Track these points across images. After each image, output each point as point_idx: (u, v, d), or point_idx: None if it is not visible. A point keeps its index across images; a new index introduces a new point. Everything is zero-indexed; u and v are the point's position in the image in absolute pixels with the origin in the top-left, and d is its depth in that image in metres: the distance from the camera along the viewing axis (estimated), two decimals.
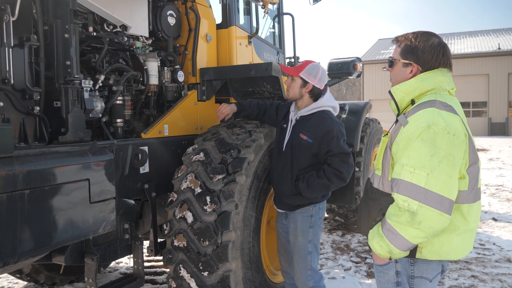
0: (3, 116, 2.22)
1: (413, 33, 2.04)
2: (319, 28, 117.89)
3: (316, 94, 2.97)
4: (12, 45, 2.22)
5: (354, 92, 48.71)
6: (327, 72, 6.34)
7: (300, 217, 2.97)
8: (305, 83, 2.93)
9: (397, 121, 2.01)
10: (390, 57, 2.08)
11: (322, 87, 2.98)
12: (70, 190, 2.09)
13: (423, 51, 1.95)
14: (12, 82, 2.23)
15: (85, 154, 2.22)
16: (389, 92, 2.06)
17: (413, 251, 1.91)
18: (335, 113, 3.03)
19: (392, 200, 1.89)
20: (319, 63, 2.98)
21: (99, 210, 2.26)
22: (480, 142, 23.18)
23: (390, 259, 1.98)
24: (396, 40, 2.07)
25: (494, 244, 5.48)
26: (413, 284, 1.99)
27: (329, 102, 2.99)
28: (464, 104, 31.14)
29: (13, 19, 2.23)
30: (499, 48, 29.97)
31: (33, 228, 1.93)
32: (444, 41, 2.01)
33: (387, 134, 2.08)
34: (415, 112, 1.89)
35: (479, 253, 5.11)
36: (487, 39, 33.28)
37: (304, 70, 2.93)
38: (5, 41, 2.20)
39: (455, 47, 32.49)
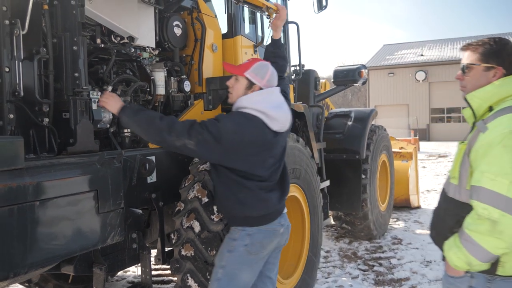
0: (12, 128, 2.26)
1: (489, 38, 1.99)
2: (323, 34, 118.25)
3: None
4: (22, 58, 2.26)
5: (360, 98, 48.65)
6: (332, 80, 6.38)
7: (225, 238, 2.58)
8: (251, 84, 2.48)
9: (472, 127, 1.96)
10: (467, 63, 2.00)
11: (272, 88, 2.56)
12: (79, 200, 2.12)
13: (509, 54, 1.92)
14: (22, 94, 2.27)
15: (93, 165, 2.25)
16: (465, 99, 1.99)
17: (493, 267, 1.81)
18: (269, 122, 2.38)
19: (470, 210, 1.83)
20: (268, 63, 2.61)
21: (108, 220, 2.29)
22: None
23: (466, 272, 1.88)
24: (468, 46, 2.02)
25: None
26: None
27: (254, 104, 2.40)
28: None
29: (23, 32, 2.27)
30: None
31: (43, 239, 1.95)
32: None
33: (463, 142, 1.98)
34: (494, 118, 1.83)
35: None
36: None
37: (250, 69, 2.48)
38: (15, 54, 2.24)
39: (459, 52, 32.39)
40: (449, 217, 1.97)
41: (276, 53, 3.07)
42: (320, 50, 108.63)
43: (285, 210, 2.64)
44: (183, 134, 2.29)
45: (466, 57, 2.02)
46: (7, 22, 2.22)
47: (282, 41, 3.15)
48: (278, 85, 2.65)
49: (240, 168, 2.37)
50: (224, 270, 2.45)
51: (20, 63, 2.26)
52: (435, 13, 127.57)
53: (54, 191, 2.00)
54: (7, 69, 2.22)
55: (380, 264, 5.03)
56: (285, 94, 2.71)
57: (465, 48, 2.04)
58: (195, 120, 2.37)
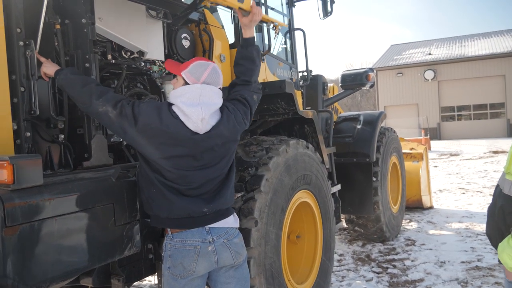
0: (29, 146, 2.33)
1: None
2: (331, 36, 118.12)
3: None
4: (37, 77, 2.34)
5: (369, 98, 48.50)
6: (340, 84, 6.41)
7: None
8: (186, 84, 2.31)
9: None
10: None
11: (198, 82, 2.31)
12: (96, 214, 2.18)
13: None
14: (37, 112, 2.34)
15: (109, 179, 2.31)
16: None
17: None
18: (184, 118, 2.19)
19: None
20: (210, 62, 2.38)
21: (124, 232, 2.34)
22: (499, 144, 22.83)
23: None
24: None
25: None
26: None
27: (173, 97, 2.27)
28: (481, 106, 30.82)
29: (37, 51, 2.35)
30: None
31: (63, 253, 2.01)
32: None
33: None
34: None
35: None
36: (501, 39, 32.94)
37: (187, 69, 2.31)
38: (30, 74, 2.32)
39: (469, 49, 32.23)
40: (507, 215, 1.86)
41: (243, 54, 2.68)
42: (328, 52, 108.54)
43: (225, 226, 2.33)
44: (110, 101, 2.21)
45: None
46: (21, 43, 2.30)
47: (255, 41, 2.76)
48: (237, 90, 2.54)
49: (151, 156, 2.20)
50: None
51: (35, 82, 2.33)
52: (442, 12, 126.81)
53: (72, 206, 2.06)
54: (22, 89, 2.30)
55: (394, 266, 5.04)
56: (245, 101, 2.49)
57: None
58: (126, 98, 2.30)
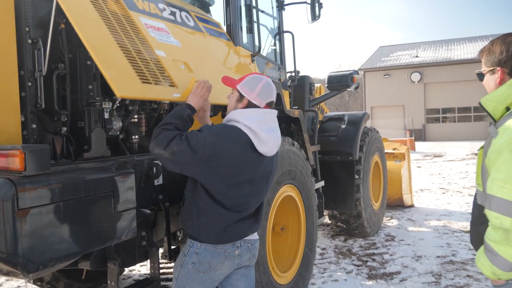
0: (35, 137, 2.51)
1: (491, 41, 2.01)
2: (320, 36, 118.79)
3: None
4: (43, 73, 2.52)
5: (357, 99, 49.00)
6: (326, 85, 6.65)
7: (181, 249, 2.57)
8: (241, 96, 2.41)
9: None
10: (477, 73, 2.05)
11: (262, 105, 2.40)
12: (97, 201, 2.37)
13: (501, 52, 1.90)
14: (43, 106, 2.52)
15: (109, 169, 2.50)
16: (479, 104, 1.97)
17: None
18: (257, 142, 2.28)
19: None
20: (264, 77, 2.50)
21: (122, 218, 2.53)
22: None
23: (506, 281, 1.87)
24: (480, 54, 2.05)
25: None
26: None
27: (245, 119, 2.30)
28: (465, 109, 31.42)
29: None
30: None
31: (68, 235, 2.20)
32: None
33: (481, 147, 1.97)
34: (505, 122, 1.79)
35: (474, 254, 5.31)
36: (486, 44, 33.52)
37: (242, 82, 2.43)
38: (37, 70, 2.50)
39: (455, 53, 32.82)
40: (480, 225, 1.92)
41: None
42: (318, 52, 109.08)
43: (255, 236, 2.52)
44: (161, 144, 2.26)
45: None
46: (29, 41, 2.47)
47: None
48: None
49: (214, 186, 2.28)
50: (177, 283, 2.42)
51: (41, 78, 2.51)
52: (430, 14, 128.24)
53: (76, 192, 2.25)
54: (29, 84, 2.48)
55: (374, 260, 5.30)
56: None
57: (478, 55, 2.10)
58: (182, 132, 2.32)
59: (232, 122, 2.35)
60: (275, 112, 2.47)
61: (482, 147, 1.98)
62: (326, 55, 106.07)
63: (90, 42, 2.39)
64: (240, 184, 2.29)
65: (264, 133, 2.29)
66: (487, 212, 1.79)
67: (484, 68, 2.00)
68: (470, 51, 32.51)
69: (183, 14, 3.42)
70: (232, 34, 4.23)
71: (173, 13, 3.30)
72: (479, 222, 1.94)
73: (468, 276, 4.64)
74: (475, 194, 2.05)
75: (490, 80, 1.98)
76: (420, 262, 5.16)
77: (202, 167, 2.25)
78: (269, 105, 2.45)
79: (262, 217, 2.53)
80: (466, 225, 6.87)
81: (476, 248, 1.99)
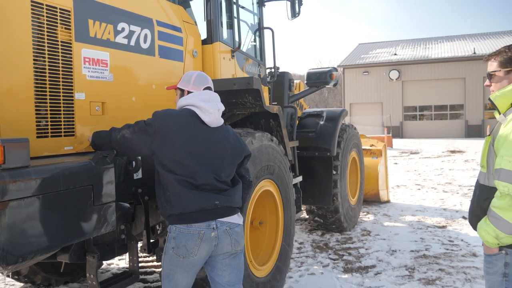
0: None
1: (504, 47, 2.37)
2: (302, 33, 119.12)
3: None
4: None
5: (336, 95, 49.43)
6: (305, 82, 6.73)
7: None
8: (182, 91, 2.77)
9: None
10: (489, 72, 2.38)
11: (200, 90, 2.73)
12: (77, 194, 2.39)
13: None
14: None
15: (89, 163, 2.52)
16: (489, 99, 2.35)
17: None
18: (200, 113, 2.58)
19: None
20: (195, 71, 2.87)
21: (102, 212, 2.56)
22: (457, 143, 23.93)
23: (500, 250, 2.25)
24: (489, 58, 2.40)
25: (462, 240, 5.89)
26: None
27: (187, 100, 2.66)
28: (442, 107, 32.03)
29: None
30: (474, 53, 30.90)
31: (47, 228, 2.22)
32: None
33: (489, 135, 2.36)
34: None
35: (447, 249, 5.52)
36: (463, 43, 34.28)
37: (180, 81, 2.81)
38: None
39: (433, 51, 33.37)
40: (482, 201, 2.33)
41: None
42: (298, 48, 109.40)
43: (234, 219, 2.59)
44: (125, 127, 2.69)
45: (489, 67, 2.39)
46: None
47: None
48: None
49: (166, 153, 2.48)
50: (164, 271, 2.55)
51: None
52: (410, 12, 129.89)
53: (55, 186, 2.27)
54: None
55: (349, 254, 5.42)
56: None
57: (486, 59, 2.44)
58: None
59: (182, 106, 2.67)
60: (210, 92, 2.72)
61: (489, 135, 2.37)
62: (306, 52, 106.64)
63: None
64: (189, 152, 2.48)
65: (204, 103, 2.58)
66: (496, 182, 2.16)
67: (499, 69, 2.34)
68: (447, 50, 33.13)
69: (143, 33, 3.40)
70: (212, 29, 4.26)
71: (129, 35, 3.27)
72: (482, 199, 2.34)
73: (440, 269, 4.79)
74: (478, 175, 2.43)
75: (504, 79, 2.33)
76: (395, 256, 5.30)
77: (155, 139, 2.52)
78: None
79: (229, 195, 2.57)
80: (439, 220, 7.06)
81: (474, 226, 2.38)
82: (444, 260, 5.08)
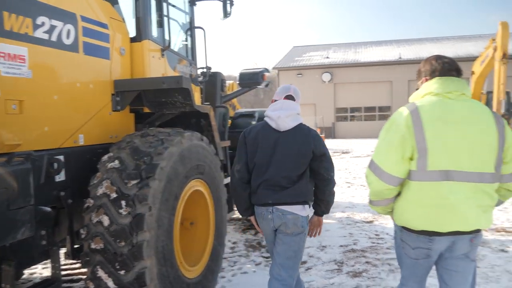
0: None
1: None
2: (237, 34, 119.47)
3: None
4: None
5: (271, 97, 49.99)
6: (237, 82, 6.77)
7: None
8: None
9: None
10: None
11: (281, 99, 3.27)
12: None
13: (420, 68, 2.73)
14: None
15: (2, 164, 2.36)
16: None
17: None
18: (269, 121, 3.11)
19: None
20: (290, 85, 3.35)
21: (18, 216, 2.41)
22: None
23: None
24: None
25: (387, 234, 6.19)
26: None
27: (266, 112, 3.25)
28: (371, 109, 33.46)
29: None
30: (400, 58, 32.63)
31: None
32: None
33: None
34: None
35: (373, 242, 5.78)
36: (390, 48, 36.06)
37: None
38: None
39: (362, 55, 34.82)
40: None
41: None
42: (234, 50, 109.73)
43: (288, 208, 2.96)
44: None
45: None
46: None
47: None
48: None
49: (249, 156, 3.06)
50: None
51: None
52: (342, 16, 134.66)
53: None
54: None
55: None
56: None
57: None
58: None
59: None
60: (282, 101, 3.15)
61: None
62: (243, 54, 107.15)
63: None
64: (260, 152, 3.02)
65: (272, 112, 3.07)
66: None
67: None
68: (375, 54, 34.69)
69: (65, 28, 3.25)
70: (141, 27, 4.16)
71: (50, 30, 3.10)
72: None
73: (367, 262, 4.99)
74: None
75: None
76: (325, 251, 5.45)
77: (248, 150, 3.10)
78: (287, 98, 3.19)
79: (293, 192, 2.97)
80: (367, 216, 7.37)
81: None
82: (371, 253, 5.31)
